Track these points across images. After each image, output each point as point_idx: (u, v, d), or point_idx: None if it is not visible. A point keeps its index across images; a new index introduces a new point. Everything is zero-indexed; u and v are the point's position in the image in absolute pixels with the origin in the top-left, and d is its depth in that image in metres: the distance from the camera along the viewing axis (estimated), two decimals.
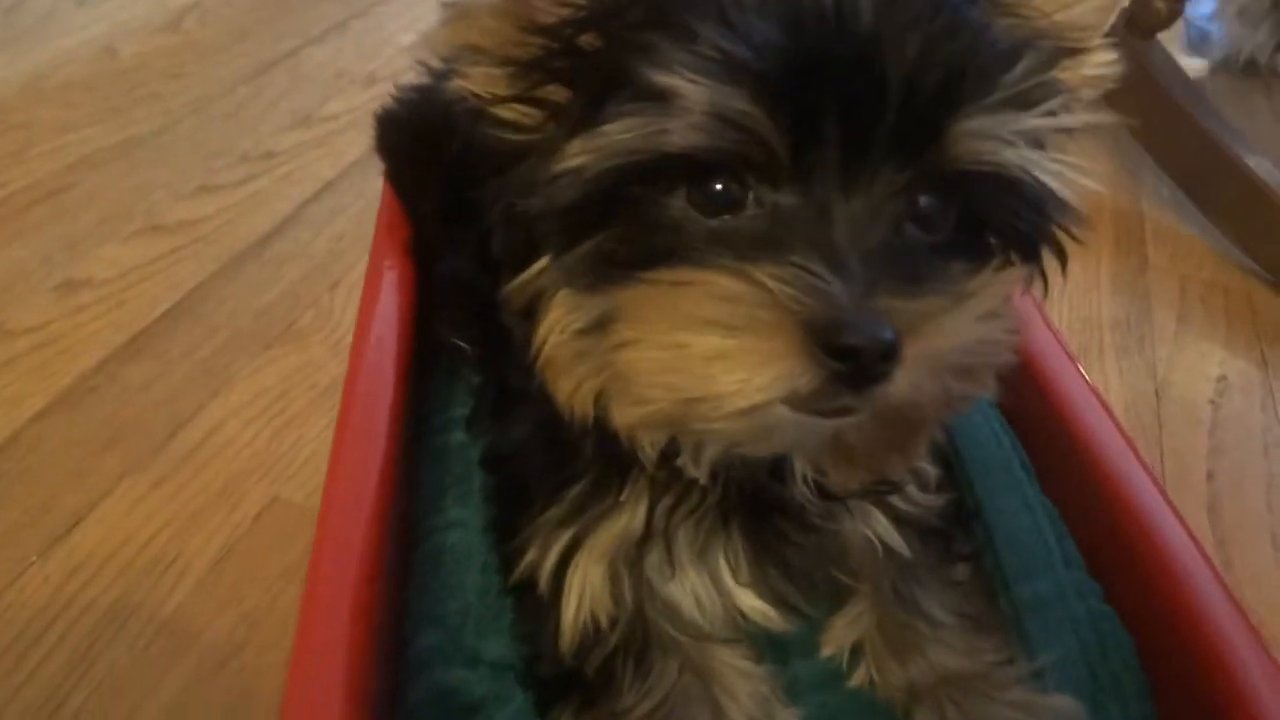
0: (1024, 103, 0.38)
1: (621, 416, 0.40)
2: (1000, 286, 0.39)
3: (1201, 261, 1.08)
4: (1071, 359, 0.58)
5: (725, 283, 0.35)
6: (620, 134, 0.37)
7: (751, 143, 0.36)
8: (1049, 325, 0.63)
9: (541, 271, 0.41)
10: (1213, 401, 0.89)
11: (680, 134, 0.35)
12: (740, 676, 0.49)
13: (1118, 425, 0.55)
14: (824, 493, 0.45)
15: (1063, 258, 0.44)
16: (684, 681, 0.48)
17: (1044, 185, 0.39)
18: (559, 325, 0.41)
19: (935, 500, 0.50)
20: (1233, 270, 1.07)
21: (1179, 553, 0.49)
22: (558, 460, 0.47)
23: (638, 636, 0.48)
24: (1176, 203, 1.17)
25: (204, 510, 0.69)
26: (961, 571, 0.51)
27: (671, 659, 0.48)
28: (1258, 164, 1.09)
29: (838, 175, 0.37)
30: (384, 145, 0.70)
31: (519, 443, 0.50)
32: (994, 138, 0.37)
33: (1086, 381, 0.58)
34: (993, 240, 0.42)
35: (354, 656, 0.42)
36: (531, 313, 0.42)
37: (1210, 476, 0.80)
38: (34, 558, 0.64)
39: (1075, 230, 0.43)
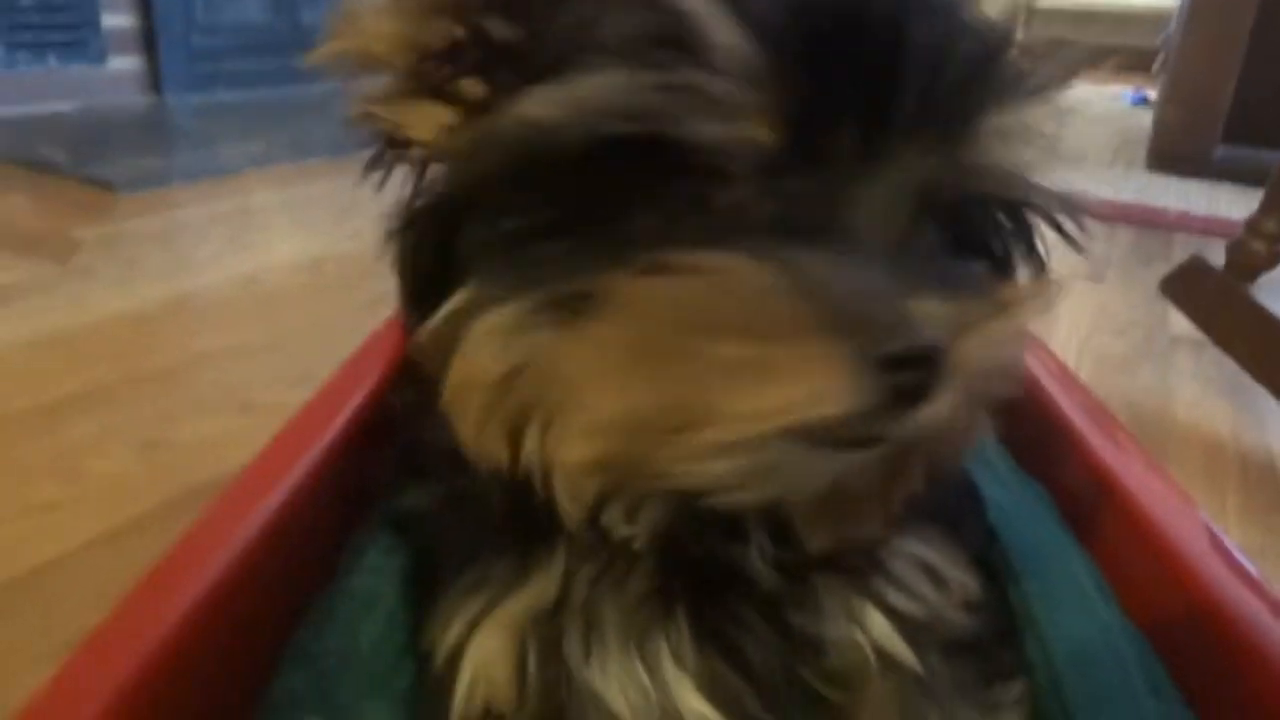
0: (1044, 104, 0.35)
1: (565, 452, 0.32)
2: (1042, 299, 0.35)
3: None
4: (1156, 469, 0.50)
5: (750, 272, 0.28)
6: (550, 110, 0.30)
7: (754, 105, 0.30)
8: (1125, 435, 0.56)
9: (463, 300, 0.34)
10: None
11: (635, 93, 0.29)
12: None
13: (1221, 541, 0.46)
14: (783, 568, 0.37)
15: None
16: None
17: (1049, 190, 0.36)
18: (478, 344, 0.33)
19: (972, 621, 0.40)
20: None
21: None
22: (469, 520, 0.40)
23: None
24: None
25: None
26: (1006, 693, 0.41)
27: None
28: None
29: (857, 153, 0.31)
30: None
31: (430, 501, 0.43)
32: (1018, 137, 0.34)
33: (1177, 490, 0.49)
34: (1000, 249, 0.38)
35: None
36: (449, 353, 0.34)
37: None
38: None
39: (1082, 238, 0.38)
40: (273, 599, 0.45)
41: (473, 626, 0.38)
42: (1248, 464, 1.03)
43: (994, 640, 0.42)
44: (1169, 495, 0.49)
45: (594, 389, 0.30)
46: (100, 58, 2.35)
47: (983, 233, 0.38)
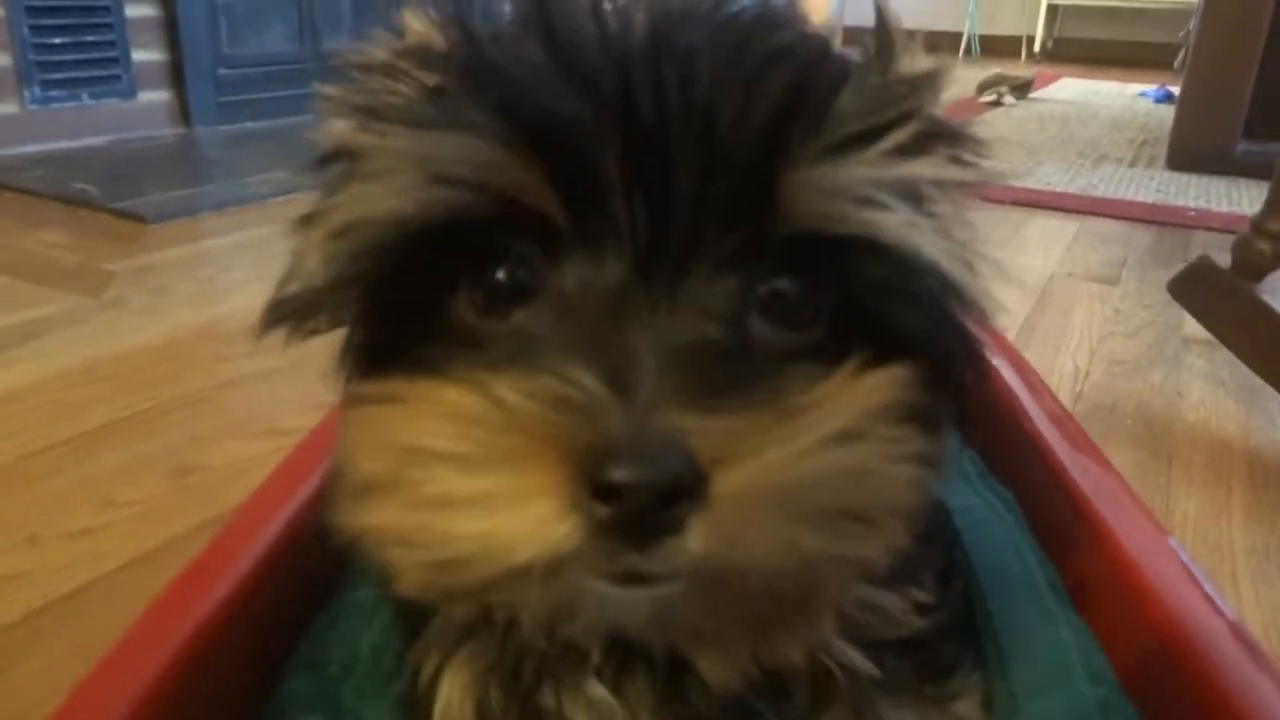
0: (874, 142, 0.29)
1: (397, 578, 0.30)
2: (855, 395, 0.28)
3: None
4: (1122, 487, 0.52)
5: (453, 397, 0.26)
6: (346, 209, 0.31)
7: (513, 205, 0.29)
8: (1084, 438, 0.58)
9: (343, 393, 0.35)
10: None
11: (399, 198, 0.29)
12: None
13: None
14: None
15: (969, 361, 0.33)
16: None
17: (922, 256, 0.30)
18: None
19: (921, 622, 0.40)
20: None
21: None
22: None
23: None
24: None
25: None
26: (960, 684, 0.42)
27: None
28: None
29: (636, 249, 0.28)
30: None
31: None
32: (840, 191, 0.29)
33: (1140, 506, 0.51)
34: (878, 336, 0.31)
35: None
36: None
37: None
38: None
39: (982, 321, 0.33)
40: (280, 615, 0.48)
41: (441, 667, 0.38)
42: (1255, 464, 1.03)
43: (944, 636, 0.42)
44: (1134, 513, 0.50)
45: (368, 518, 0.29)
46: (131, 93, 2.43)
47: (873, 299, 0.32)
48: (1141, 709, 0.44)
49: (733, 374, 0.27)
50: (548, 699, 0.37)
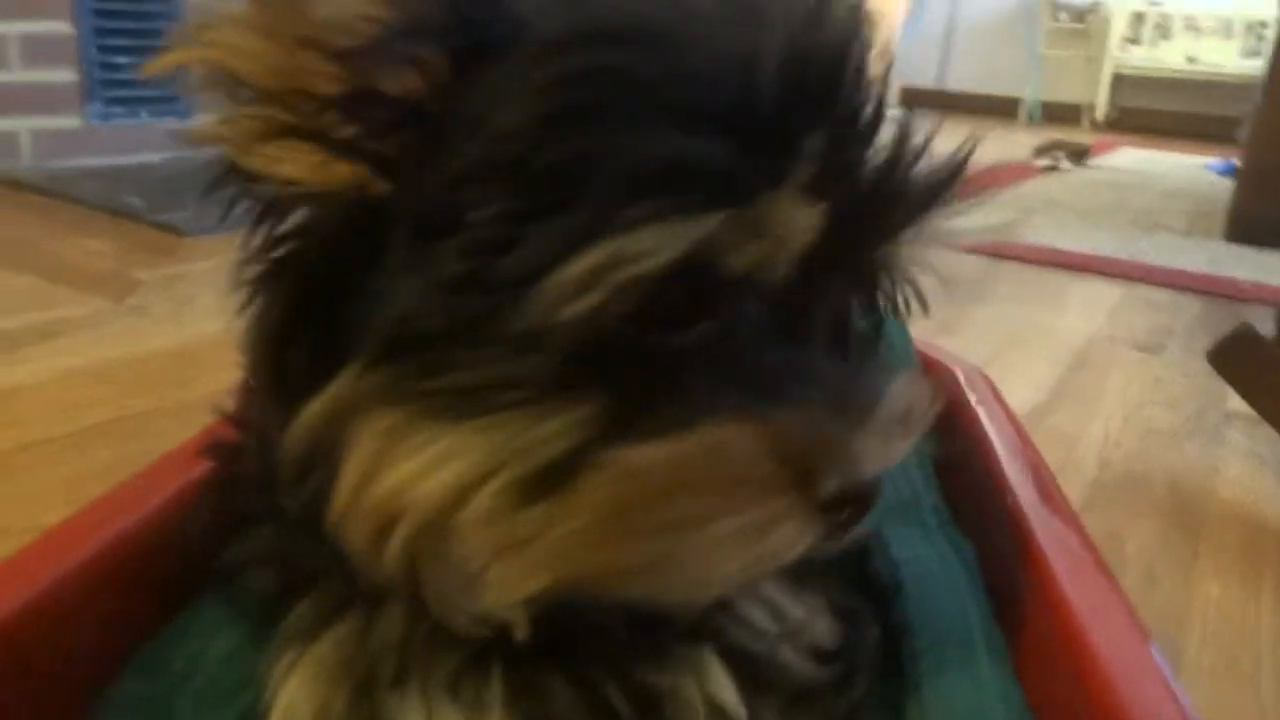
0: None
1: (499, 590, 0.30)
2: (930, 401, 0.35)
3: None
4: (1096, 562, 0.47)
5: (735, 437, 0.29)
6: (653, 245, 0.26)
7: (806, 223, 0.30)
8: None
9: (348, 385, 0.30)
10: None
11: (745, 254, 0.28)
12: None
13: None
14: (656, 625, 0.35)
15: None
16: None
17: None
18: (388, 450, 0.29)
19: (821, 671, 0.38)
20: None
21: None
22: (291, 571, 0.38)
23: None
24: None
25: None
26: None
27: None
28: None
29: (829, 265, 0.32)
30: None
31: (250, 554, 0.40)
32: (938, 239, 0.34)
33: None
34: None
35: None
36: (328, 454, 0.31)
37: None
38: None
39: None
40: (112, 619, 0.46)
41: (289, 668, 0.36)
42: None
43: (836, 690, 0.39)
44: (1094, 578, 0.46)
45: (561, 541, 0.29)
46: (187, 113, 2.49)
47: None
48: None
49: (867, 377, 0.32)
50: (395, 709, 0.35)
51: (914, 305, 0.39)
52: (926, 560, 0.48)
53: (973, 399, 0.57)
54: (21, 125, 2.21)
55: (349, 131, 0.30)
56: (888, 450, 0.30)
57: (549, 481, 0.28)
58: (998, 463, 0.50)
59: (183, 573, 0.49)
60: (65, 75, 2.26)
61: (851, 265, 0.34)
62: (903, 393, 0.32)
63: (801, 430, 0.29)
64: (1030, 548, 0.45)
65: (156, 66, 0.31)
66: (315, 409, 0.30)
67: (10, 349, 1.21)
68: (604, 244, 0.26)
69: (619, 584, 0.31)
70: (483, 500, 0.29)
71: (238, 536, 0.41)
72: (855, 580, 0.42)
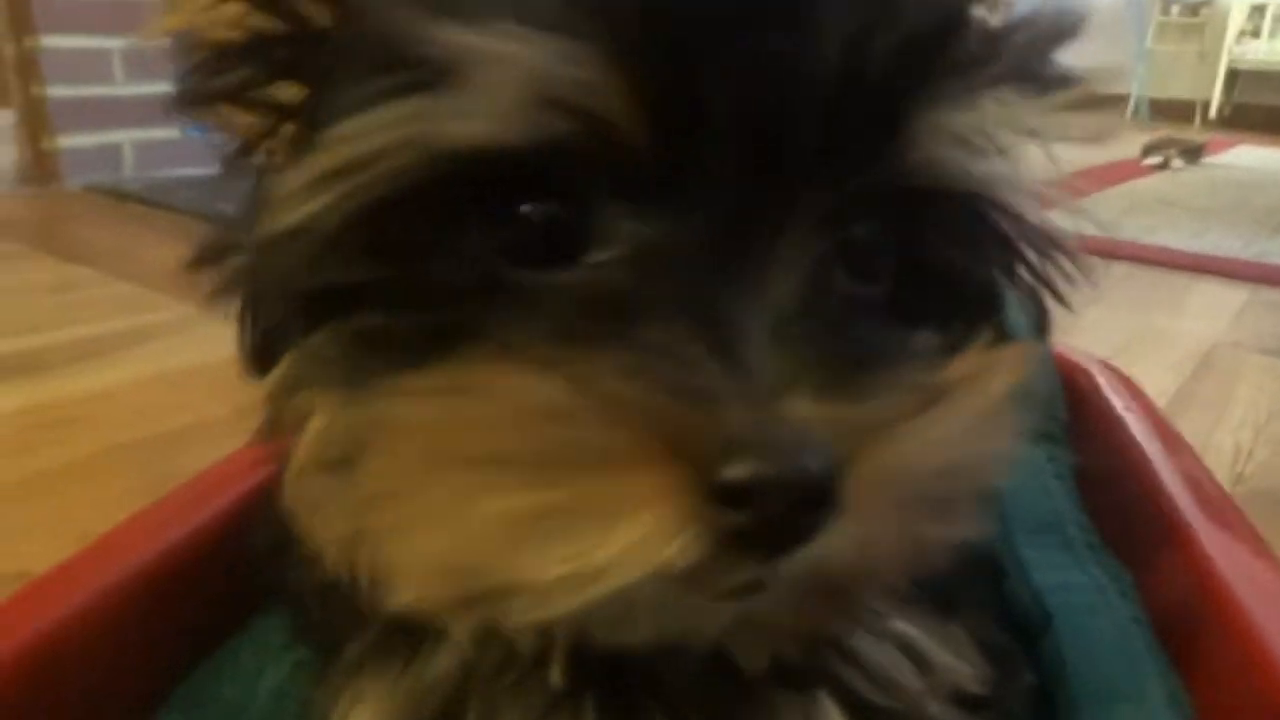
0: (993, 85, 0.26)
1: (396, 594, 0.26)
2: (1001, 374, 0.25)
3: None
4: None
5: (533, 387, 0.21)
6: (370, 135, 0.23)
7: (598, 137, 0.23)
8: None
9: (290, 369, 0.29)
10: None
11: (474, 122, 0.22)
12: None
13: None
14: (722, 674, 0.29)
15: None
16: None
17: (1020, 210, 0.28)
18: (309, 448, 0.28)
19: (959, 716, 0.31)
20: None
21: None
22: (336, 611, 0.34)
23: None
24: None
25: None
26: None
27: None
28: None
29: (735, 193, 0.24)
30: None
31: (295, 586, 0.36)
32: (969, 142, 0.26)
33: None
34: (955, 293, 0.29)
35: None
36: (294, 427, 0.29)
37: None
38: None
39: (1077, 275, 0.31)
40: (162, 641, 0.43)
41: (351, 704, 0.33)
42: None
43: None
44: None
45: (392, 541, 0.24)
46: None
47: (941, 274, 0.29)
48: None
49: (843, 341, 0.24)
50: None
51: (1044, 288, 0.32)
52: (1079, 589, 0.41)
53: (1116, 403, 0.50)
54: (125, 138, 2.29)
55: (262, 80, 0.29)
56: (846, 430, 0.21)
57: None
58: (1155, 475, 0.43)
59: (238, 589, 0.46)
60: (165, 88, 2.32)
61: (841, 169, 0.25)
62: (906, 394, 0.23)
63: (661, 386, 0.21)
64: (1208, 576, 0.38)
65: (149, 33, 0.31)
66: (272, 385, 0.30)
67: (106, 353, 1.24)
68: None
69: (471, 594, 0.24)
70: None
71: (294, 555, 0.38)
72: (996, 610, 0.36)
